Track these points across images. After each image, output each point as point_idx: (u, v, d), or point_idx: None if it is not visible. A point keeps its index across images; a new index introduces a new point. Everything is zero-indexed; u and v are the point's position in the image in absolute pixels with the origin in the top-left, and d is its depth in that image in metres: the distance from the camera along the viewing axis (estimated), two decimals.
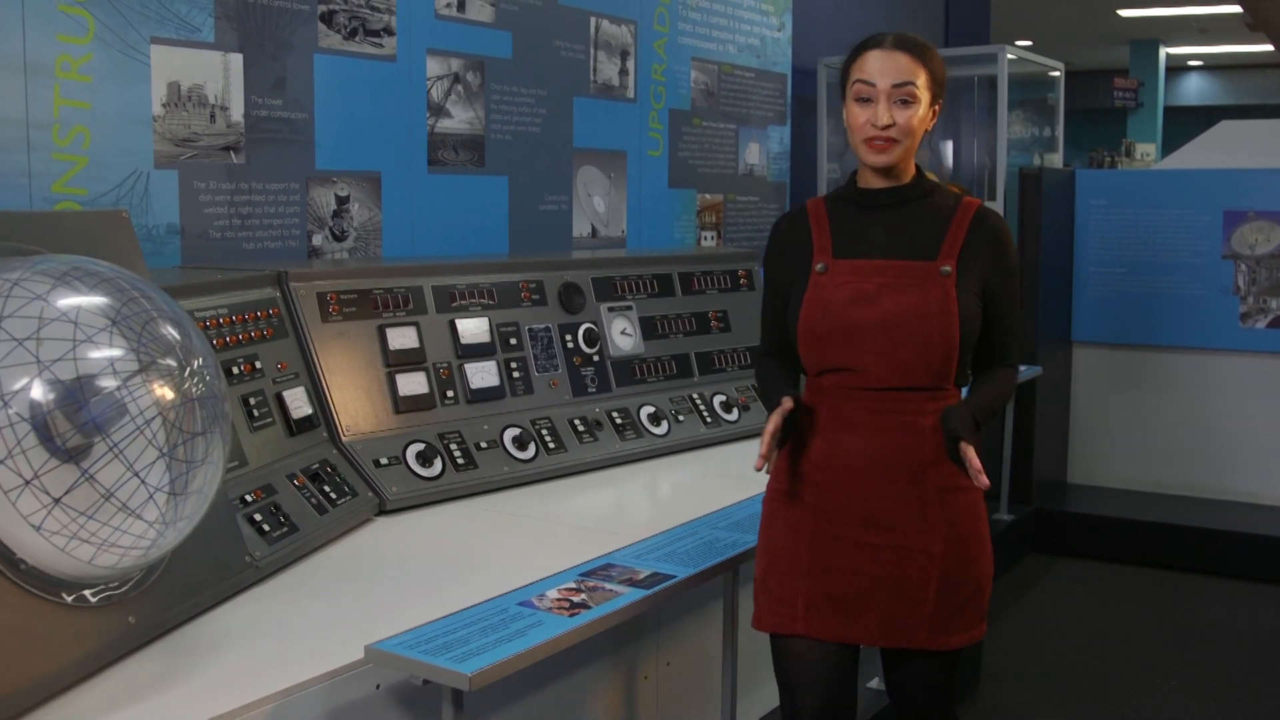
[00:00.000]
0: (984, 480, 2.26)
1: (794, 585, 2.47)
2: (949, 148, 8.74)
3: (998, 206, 6.90)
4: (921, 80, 2.41)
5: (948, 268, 2.40)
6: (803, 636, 2.47)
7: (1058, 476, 7.06)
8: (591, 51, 5.14)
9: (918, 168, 2.52)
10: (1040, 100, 8.29)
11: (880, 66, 2.40)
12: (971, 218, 2.46)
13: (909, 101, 2.39)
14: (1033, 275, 6.63)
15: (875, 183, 2.48)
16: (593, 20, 5.14)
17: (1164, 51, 21.48)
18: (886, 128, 2.39)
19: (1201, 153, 7.14)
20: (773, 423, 2.34)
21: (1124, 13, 17.79)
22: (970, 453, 2.28)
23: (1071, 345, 7.07)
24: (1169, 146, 17.04)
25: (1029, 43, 18.02)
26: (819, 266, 2.46)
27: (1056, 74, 7.88)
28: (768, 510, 2.55)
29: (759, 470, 2.33)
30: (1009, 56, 6.92)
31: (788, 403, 2.38)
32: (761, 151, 6.37)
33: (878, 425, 2.42)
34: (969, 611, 2.53)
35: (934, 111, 2.47)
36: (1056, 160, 7.96)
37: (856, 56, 2.46)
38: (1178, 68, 23.60)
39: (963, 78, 8.21)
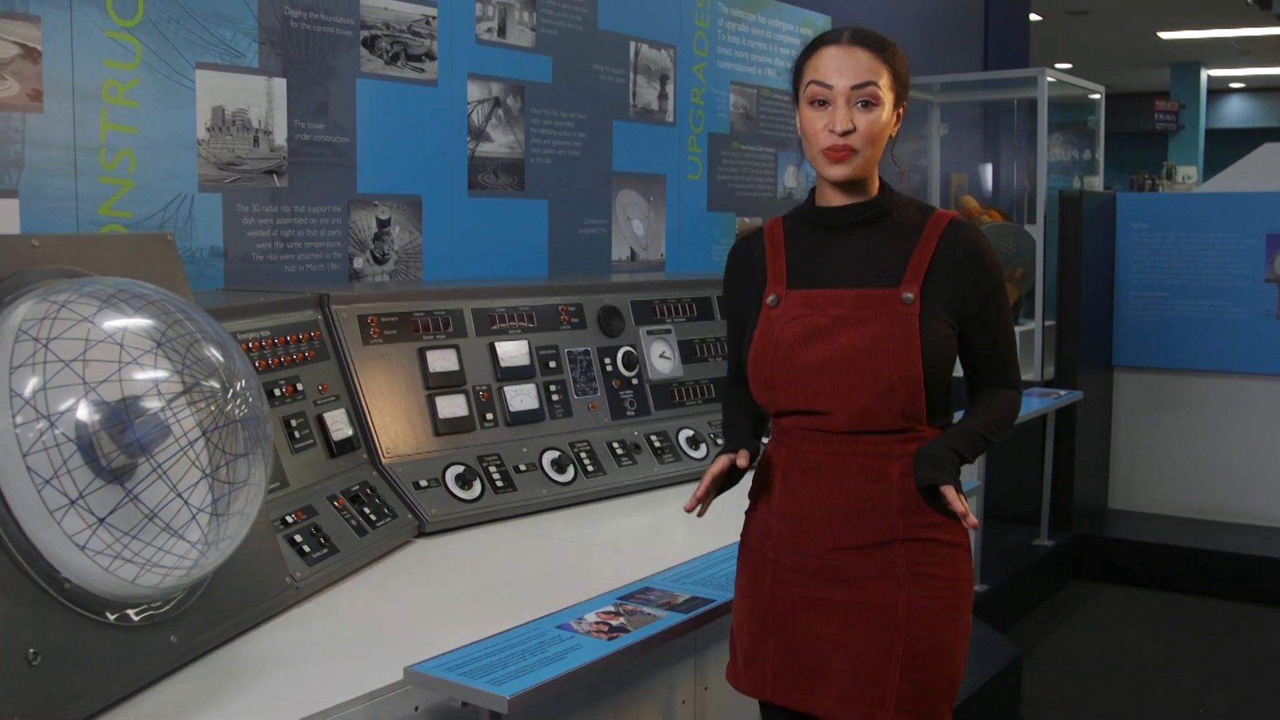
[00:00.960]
0: (972, 520, 2.03)
1: (764, 646, 2.27)
2: (989, 171, 8.72)
3: (1038, 230, 6.86)
4: (884, 80, 2.15)
5: (910, 295, 2.13)
6: (785, 707, 2.28)
7: (1098, 502, 7.02)
8: (631, 75, 5.17)
9: (883, 181, 2.26)
10: (1080, 123, 8.25)
11: (837, 65, 2.14)
12: (940, 235, 2.18)
13: (871, 104, 2.14)
14: (1073, 299, 6.60)
15: (835, 199, 2.22)
16: (632, 45, 5.16)
17: (1205, 74, 21.36)
18: (846, 134, 2.13)
19: (1244, 175, 7.10)
20: (718, 464, 2.17)
21: (1165, 35, 17.71)
22: (951, 493, 2.04)
23: (1112, 370, 7.03)
24: (1210, 169, 16.93)
25: (1069, 66, 17.99)
26: (770, 299, 2.22)
27: (1097, 97, 7.84)
28: (739, 562, 2.37)
29: (689, 512, 2.17)
30: (1049, 79, 6.90)
31: (742, 458, 2.16)
32: (800, 174, 6.36)
33: (839, 470, 2.17)
34: (941, 694, 2.20)
35: (898, 115, 2.22)
36: (1097, 183, 7.92)
37: (810, 54, 2.20)
38: (1219, 90, 23.47)
39: (1002, 101, 8.19)
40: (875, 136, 2.16)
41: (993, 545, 5.80)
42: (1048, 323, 6.80)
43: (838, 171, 2.16)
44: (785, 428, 2.24)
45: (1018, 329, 6.82)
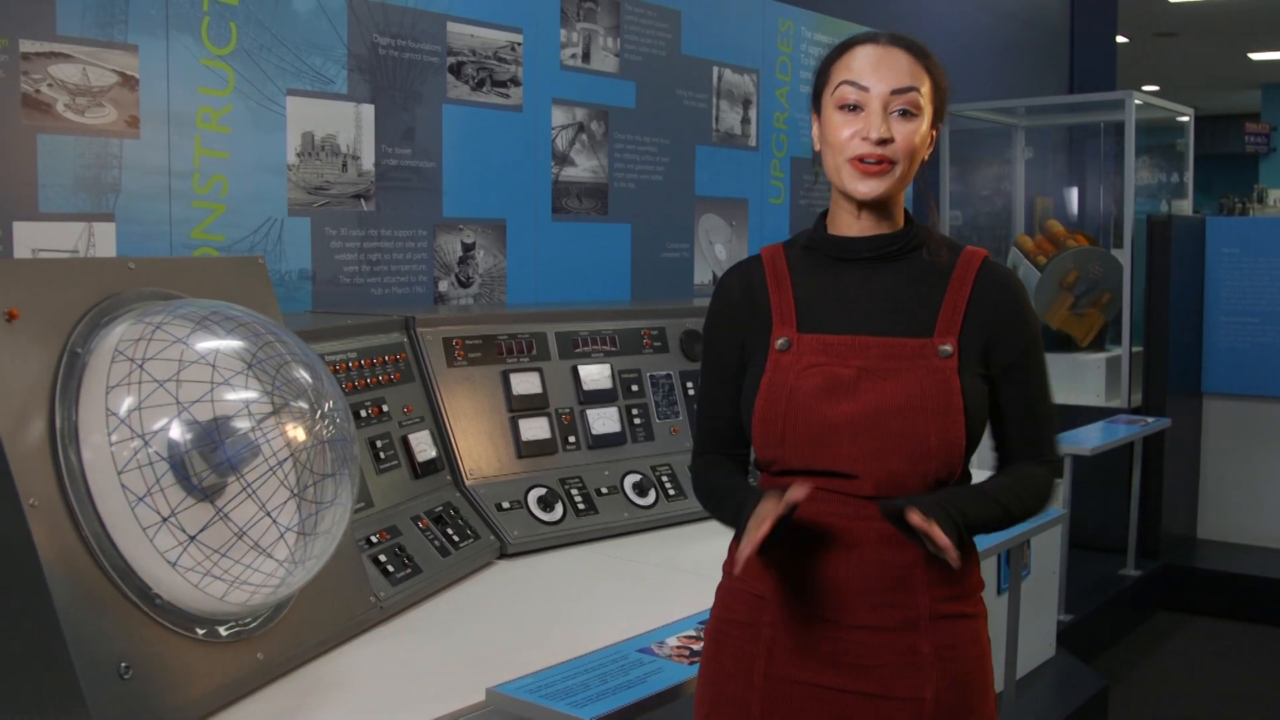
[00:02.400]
0: (954, 556, 1.72)
1: None
2: (1074, 194, 8.63)
3: (1125, 255, 6.77)
4: (926, 89, 1.86)
5: (948, 347, 1.84)
6: None
7: (1187, 532, 6.89)
8: (714, 100, 5.18)
9: (908, 212, 1.96)
10: (1169, 146, 8.15)
11: (875, 66, 1.84)
12: (975, 276, 1.89)
13: (911, 114, 1.84)
14: (1161, 325, 6.51)
15: (852, 228, 1.91)
16: (715, 70, 5.18)
17: None
18: (883, 143, 1.82)
19: None
20: (770, 508, 1.76)
21: (1255, 56, 17.44)
22: (935, 528, 1.70)
23: (1201, 397, 6.91)
24: None
25: (1156, 88, 17.76)
26: (780, 342, 1.89)
27: (1185, 119, 7.74)
28: (711, 641, 2.00)
29: (735, 573, 1.86)
30: (1136, 102, 6.82)
31: (798, 491, 1.76)
32: None
33: (856, 535, 1.84)
34: None
35: (933, 136, 1.92)
36: (1186, 207, 7.81)
37: (841, 53, 1.89)
38: None
39: (1089, 124, 8.11)
40: (913, 150, 1.85)
41: (1078, 575, 5.72)
42: (1135, 349, 6.71)
43: (867, 187, 1.85)
44: (787, 486, 1.85)
45: (1104, 355, 6.78)
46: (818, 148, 1.92)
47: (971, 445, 1.85)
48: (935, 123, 1.90)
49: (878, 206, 1.89)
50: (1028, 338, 1.91)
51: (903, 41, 1.87)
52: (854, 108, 1.84)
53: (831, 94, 1.87)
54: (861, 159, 1.83)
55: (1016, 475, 1.92)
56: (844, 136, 1.84)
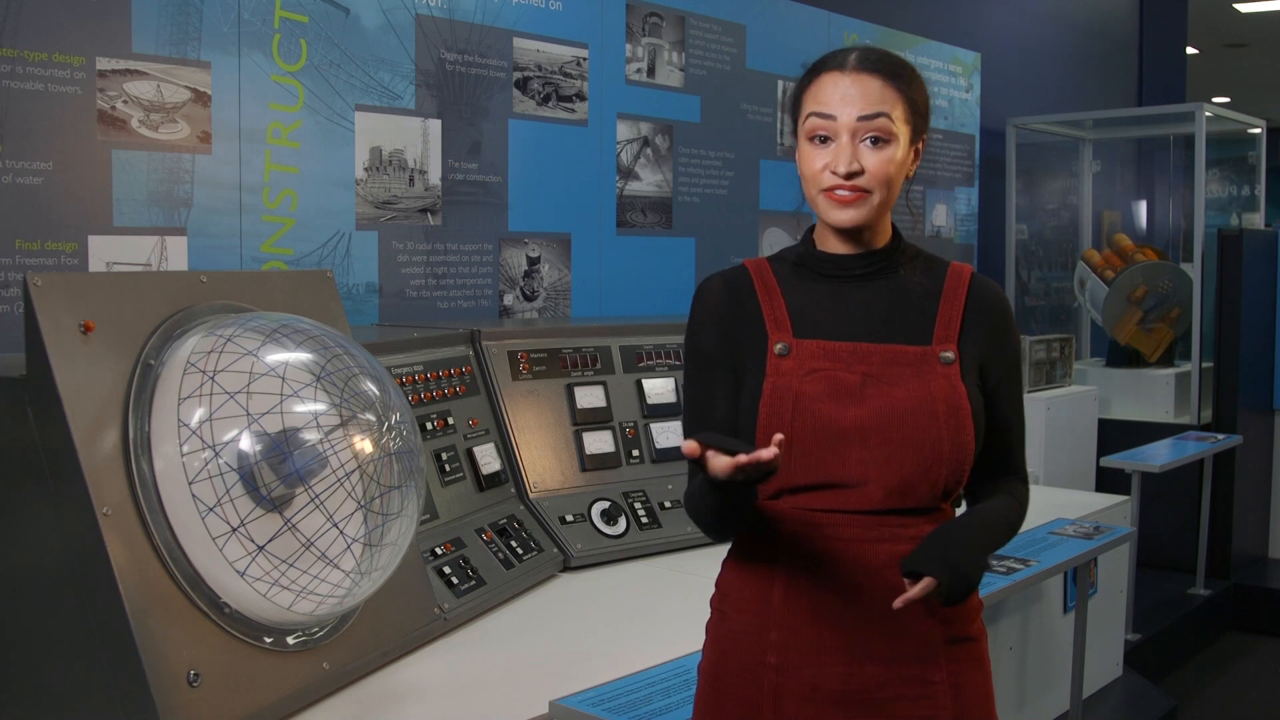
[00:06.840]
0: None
1: None
2: (1143, 208, 8.53)
3: (1195, 269, 6.68)
4: (899, 111, 1.79)
5: (949, 353, 1.80)
6: None
7: (1258, 551, 6.78)
8: (778, 114, 5.18)
9: (894, 228, 1.90)
10: (1240, 159, 8.04)
11: (842, 93, 1.78)
12: (968, 289, 1.86)
13: (883, 140, 1.78)
14: (1232, 340, 6.41)
15: (839, 246, 1.86)
16: (780, 83, 5.18)
17: None
18: (852, 175, 1.77)
19: None
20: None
21: None
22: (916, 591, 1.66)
23: (1274, 414, 6.80)
24: None
25: (1227, 99, 17.53)
26: (779, 347, 1.81)
27: (1257, 131, 7.63)
28: (708, 685, 1.86)
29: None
30: (1206, 114, 6.74)
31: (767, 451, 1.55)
32: (949, 213, 6.30)
33: (863, 559, 1.76)
34: None
35: (916, 151, 1.86)
36: (1257, 220, 7.70)
37: (810, 81, 1.84)
38: None
39: (1158, 136, 8.02)
40: (889, 178, 1.79)
41: (1147, 594, 5.64)
42: (1205, 364, 6.62)
43: (844, 216, 1.79)
44: (784, 512, 1.80)
45: (1173, 370, 6.69)
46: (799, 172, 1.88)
47: (977, 451, 1.80)
48: (916, 139, 1.85)
49: (862, 228, 1.84)
50: (1016, 354, 1.90)
51: (872, 63, 1.80)
52: (824, 139, 1.79)
53: (803, 124, 1.83)
54: (833, 190, 1.79)
55: (1012, 498, 1.88)
56: (815, 169, 1.80)
